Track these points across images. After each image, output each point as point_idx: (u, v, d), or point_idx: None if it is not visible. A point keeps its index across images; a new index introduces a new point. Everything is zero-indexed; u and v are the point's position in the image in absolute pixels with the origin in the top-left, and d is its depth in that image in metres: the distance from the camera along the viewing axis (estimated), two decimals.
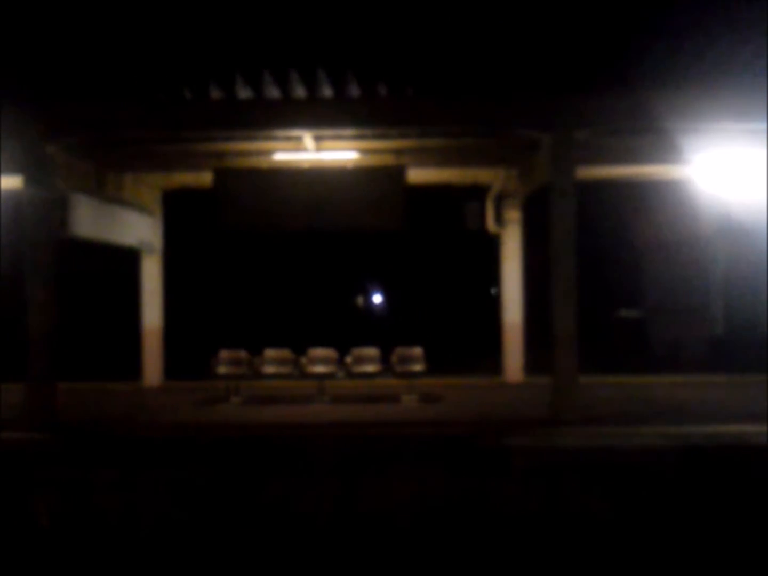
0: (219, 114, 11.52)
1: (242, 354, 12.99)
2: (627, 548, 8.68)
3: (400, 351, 12.94)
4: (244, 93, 11.61)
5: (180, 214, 15.64)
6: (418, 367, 12.82)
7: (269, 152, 12.72)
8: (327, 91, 11.34)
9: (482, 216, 14.98)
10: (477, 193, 15.45)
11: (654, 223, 21.12)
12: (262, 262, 17.61)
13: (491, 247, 15.53)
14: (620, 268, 21.85)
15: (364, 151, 12.73)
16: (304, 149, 12.41)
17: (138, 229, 14.63)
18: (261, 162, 12.81)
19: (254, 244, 17.21)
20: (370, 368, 12.84)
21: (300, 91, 11.66)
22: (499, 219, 15.28)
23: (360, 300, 20.54)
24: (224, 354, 13.01)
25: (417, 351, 12.92)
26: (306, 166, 12.58)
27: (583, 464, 9.12)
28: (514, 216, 15.25)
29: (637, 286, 22.39)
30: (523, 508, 8.93)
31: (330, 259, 17.79)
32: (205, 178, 13.90)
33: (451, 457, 9.79)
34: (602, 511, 8.61)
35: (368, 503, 9.49)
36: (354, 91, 11.10)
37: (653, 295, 22.24)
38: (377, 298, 19.92)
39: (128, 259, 15.73)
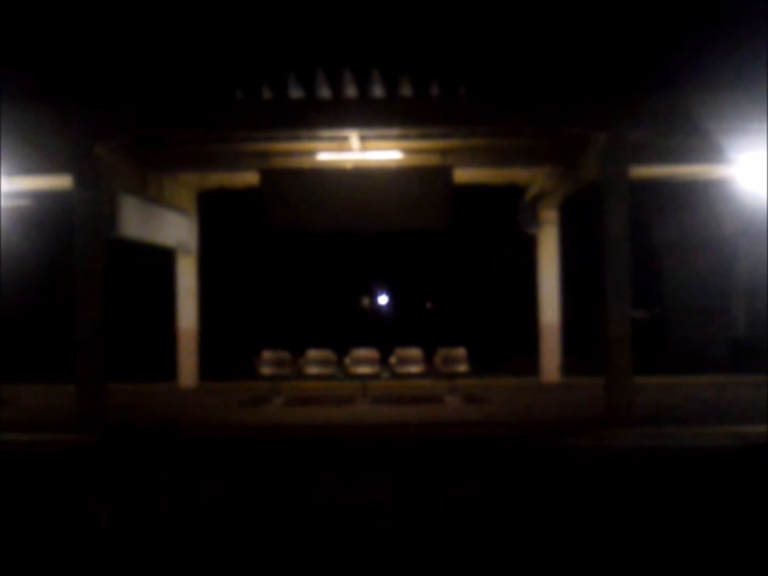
0: (268, 114, 11.49)
1: (285, 355, 12.96)
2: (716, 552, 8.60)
3: (443, 352, 12.90)
4: (294, 93, 11.57)
5: (215, 214, 15.60)
6: (462, 368, 12.78)
7: (312, 152, 12.67)
8: (378, 91, 11.30)
9: (535, 217, 14.93)
10: (513, 193, 15.44)
11: (682, 222, 21.10)
12: (300, 262, 17.53)
13: (528, 248, 15.48)
14: (642, 268, 21.74)
15: (407, 151, 12.67)
16: (349, 149, 12.36)
17: (177, 229, 14.59)
18: (304, 162, 12.75)
19: (291, 244, 17.14)
20: (414, 369, 12.80)
21: (350, 91, 11.63)
22: (536, 220, 15.25)
23: (397, 300, 20.43)
24: (267, 355, 12.97)
25: (461, 352, 12.88)
26: (350, 166, 12.53)
27: (648, 465, 9.06)
28: (551, 216, 15.22)
29: (657, 286, 22.32)
30: (596, 511, 8.85)
31: (367, 258, 17.71)
32: (244, 178, 13.90)
33: (509, 458, 9.73)
34: (683, 515, 8.51)
35: (432, 507, 9.42)
36: (406, 91, 11.05)
37: (674, 295, 22.19)
38: (415, 299, 19.81)
39: (163, 259, 15.71)
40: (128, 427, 10.84)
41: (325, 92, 11.67)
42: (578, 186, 13.19)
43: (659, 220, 21.82)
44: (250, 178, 13.54)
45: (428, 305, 18.87)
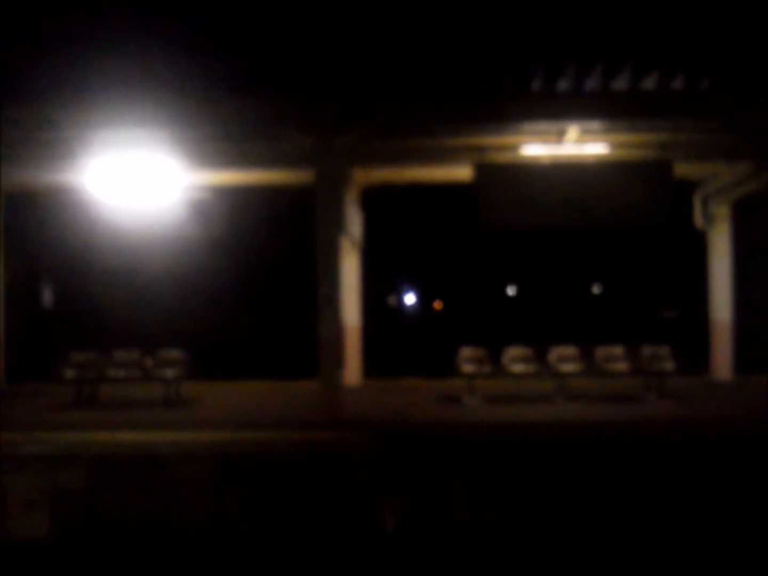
0: (483, 108, 11.36)
1: (483, 352, 12.78)
2: None
3: (647, 350, 12.73)
4: (506, 85, 11.41)
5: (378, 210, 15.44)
6: (667, 366, 12.61)
7: (520, 146, 12.48)
8: (592, 83, 11.17)
9: (708, 213, 14.76)
10: (683, 188, 15.25)
11: None
12: (464, 255, 17.31)
13: (697, 245, 15.32)
14: None
15: (619, 145, 12.49)
16: (561, 142, 12.19)
17: (353, 224, 14.39)
18: (513, 156, 12.55)
19: (461, 239, 16.90)
20: (619, 366, 12.62)
21: (563, 84, 11.49)
22: (707, 216, 15.09)
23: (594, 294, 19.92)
24: (467, 352, 12.79)
25: (665, 350, 12.72)
26: (563, 160, 12.34)
27: None
28: (724, 212, 15.05)
29: None
30: None
31: (546, 255, 17.46)
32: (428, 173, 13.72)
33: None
34: None
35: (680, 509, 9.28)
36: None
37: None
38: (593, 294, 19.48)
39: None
40: (370, 426, 10.63)
41: (537, 85, 11.54)
42: (762, 184, 13.05)
43: None
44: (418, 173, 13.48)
45: (627, 305, 18.54)
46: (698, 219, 15.08)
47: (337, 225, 10.74)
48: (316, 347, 14.64)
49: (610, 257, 17.82)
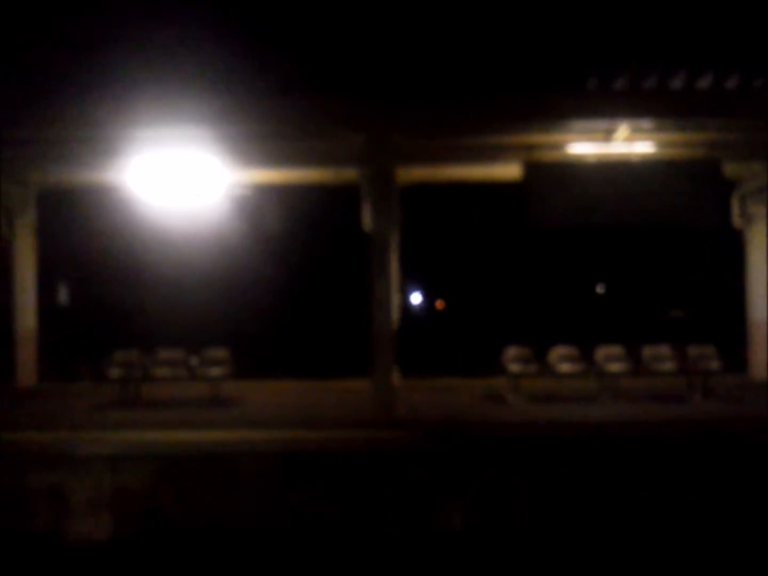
0: (534, 105, 11.33)
1: (529, 351, 12.77)
2: None
3: (694, 350, 12.72)
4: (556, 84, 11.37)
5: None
6: (714, 365, 12.59)
7: (566, 144, 12.45)
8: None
9: (745, 212, 14.73)
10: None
11: None
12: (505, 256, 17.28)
13: (734, 243, 15.28)
14: None
15: (665, 144, 12.46)
16: (609, 141, 12.16)
17: None
18: (561, 155, 12.52)
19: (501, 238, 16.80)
20: (666, 366, 12.60)
21: (618, 83, 11.44)
22: (745, 214, 15.06)
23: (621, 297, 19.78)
24: (512, 351, 12.80)
25: (711, 350, 12.71)
26: (611, 158, 12.31)
27: None
28: (761, 212, 15.02)
29: None
30: None
31: (576, 253, 17.39)
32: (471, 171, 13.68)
33: None
34: None
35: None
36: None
37: None
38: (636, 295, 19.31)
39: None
40: (424, 425, 10.59)
41: (591, 83, 11.50)
42: None
43: None
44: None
45: (672, 310, 18.46)
46: (736, 218, 15.04)
47: (390, 223, 10.68)
48: (354, 346, 14.67)
49: (648, 256, 17.77)
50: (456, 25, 11.30)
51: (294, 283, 17.24)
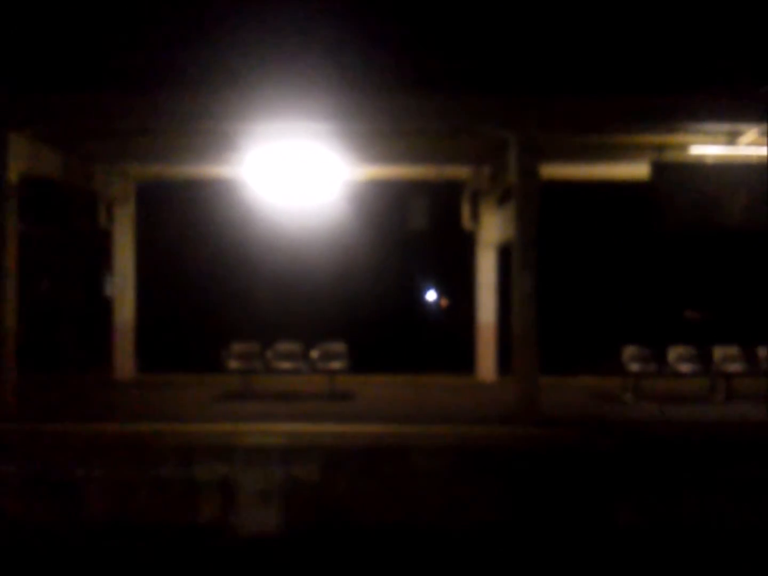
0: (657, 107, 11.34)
1: (646, 351, 12.81)
2: None
3: None
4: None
5: None
6: None
7: (690, 146, 12.47)
8: None
9: None
10: None
11: None
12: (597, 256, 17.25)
13: None
14: None
15: None
16: (734, 143, 12.18)
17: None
18: (687, 155, 12.54)
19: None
20: None
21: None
22: None
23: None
24: (632, 350, 12.81)
25: None
26: (740, 160, 12.32)
27: None
28: None
29: None
30: None
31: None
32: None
33: None
34: None
35: None
36: None
37: None
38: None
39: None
40: (564, 423, 10.63)
41: (720, 85, 11.51)
42: None
43: None
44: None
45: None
46: None
47: (534, 222, 10.70)
48: (449, 342, 14.66)
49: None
50: (594, 23, 11.28)
51: (396, 279, 17.26)
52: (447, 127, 11.63)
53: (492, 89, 10.82)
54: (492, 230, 15.09)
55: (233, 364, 12.60)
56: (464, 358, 15.62)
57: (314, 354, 12.70)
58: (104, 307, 15.34)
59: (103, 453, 9.13)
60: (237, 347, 12.80)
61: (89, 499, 8.90)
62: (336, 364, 12.58)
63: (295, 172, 12.83)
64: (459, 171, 14.80)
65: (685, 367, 12.64)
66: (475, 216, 15.37)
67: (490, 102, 10.70)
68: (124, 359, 15.35)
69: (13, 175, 10.81)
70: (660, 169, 12.09)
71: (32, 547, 8.79)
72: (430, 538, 8.79)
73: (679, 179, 12.02)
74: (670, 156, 12.46)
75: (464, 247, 15.30)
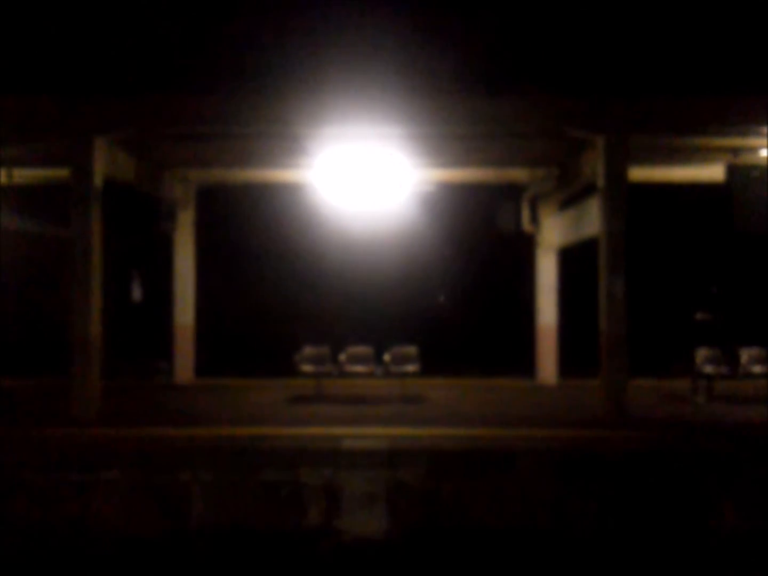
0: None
1: (719, 352, 12.83)
2: None
3: None
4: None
5: None
6: None
7: (761, 149, 12.46)
8: None
9: None
10: None
11: None
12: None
13: None
14: None
15: None
16: None
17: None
18: (758, 159, 12.54)
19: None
20: None
21: None
22: None
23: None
24: (703, 352, 12.83)
25: None
26: None
27: None
28: None
29: None
30: None
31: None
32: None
33: None
34: None
35: None
36: None
37: None
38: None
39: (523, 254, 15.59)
40: (651, 425, 10.62)
41: None
42: None
43: None
44: None
45: None
46: None
47: (623, 224, 10.69)
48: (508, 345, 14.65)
49: None
50: (678, 27, 11.32)
51: (459, 283, 17.27)
52: (531, 130, 11.61)
53: (577, 91, 10.85)
54: (552, 233, 15.12)
55: (306, 367, 12.61)
56: (523, 361, 15.62)
57: (387, 357, 12.72)
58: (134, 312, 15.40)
59: (205, 458, 9.13)
60: (309, 351, 12.81)
61: (195, 504, 8.90)
62: (409, 368, 12.60)
63: (364, 175, 12.84)
64: (519, 174, 14.82)
65: (758, 369, 12.66)
66: (535, 218, 15.40)
67: (576, 104, 10.71)
68: (184, 364, 15.36)
69: (98, 180, 10.83)
70: (735, 171, 12.13)
71: (138, 555, 8.78)
72: (543, 542, 8.77)
73: (754, 181, 12.06)
74: (745, 159, 12.47)
75: (524, 249, 15.31)
